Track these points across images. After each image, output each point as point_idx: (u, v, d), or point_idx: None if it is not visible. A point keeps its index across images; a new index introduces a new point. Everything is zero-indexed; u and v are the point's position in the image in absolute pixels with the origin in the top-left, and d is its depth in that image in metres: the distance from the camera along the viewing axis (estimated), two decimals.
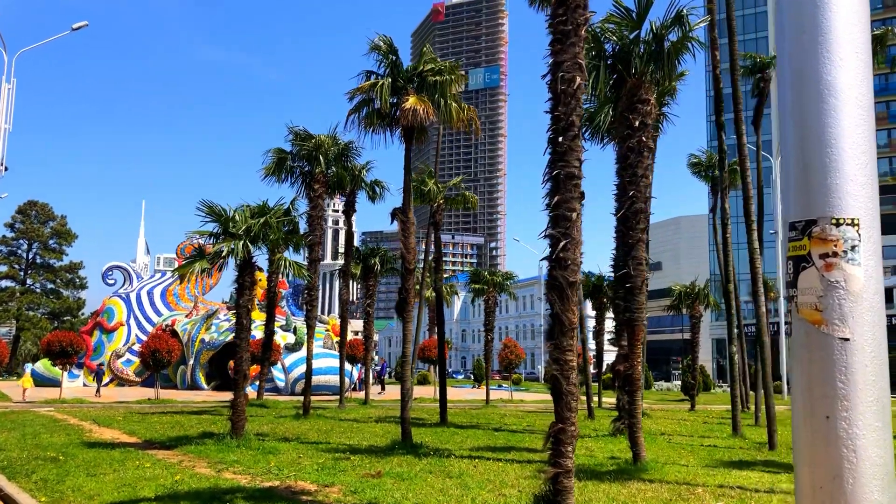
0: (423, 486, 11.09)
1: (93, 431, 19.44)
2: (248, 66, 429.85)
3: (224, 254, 15.22)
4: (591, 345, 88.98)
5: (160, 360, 35.39)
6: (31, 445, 16.27)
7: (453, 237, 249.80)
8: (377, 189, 27.54)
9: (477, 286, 35.04)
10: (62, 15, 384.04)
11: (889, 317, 61.60)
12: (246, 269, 16.03)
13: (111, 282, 56.86)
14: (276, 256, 16.45)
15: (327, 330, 52.14)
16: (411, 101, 15.67)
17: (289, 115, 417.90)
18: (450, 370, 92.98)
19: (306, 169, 24.88)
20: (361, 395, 40.18)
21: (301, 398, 36.53)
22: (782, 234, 3.86)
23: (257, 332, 47.24)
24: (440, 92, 16.27)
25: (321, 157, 24.17)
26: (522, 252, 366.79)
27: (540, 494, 8.45)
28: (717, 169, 23.67)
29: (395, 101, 16.61)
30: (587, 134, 21.35)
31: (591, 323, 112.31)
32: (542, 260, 9.04)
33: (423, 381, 68.27)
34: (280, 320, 50.21)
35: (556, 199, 8.45)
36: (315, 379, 43.66)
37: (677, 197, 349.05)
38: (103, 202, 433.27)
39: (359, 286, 32.87)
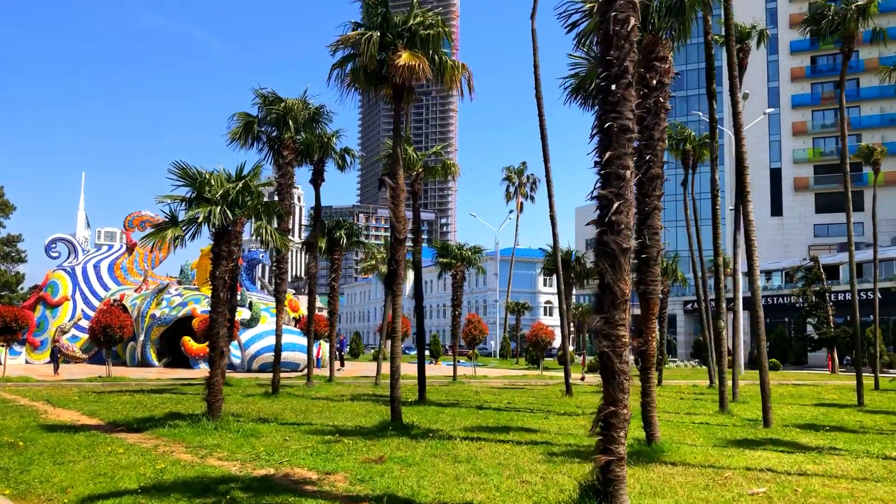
0: (433, 472, 10.17)
1: (48, 413, 18.00)
2: (189, 34, 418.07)
3: (200, 220, 13.92)
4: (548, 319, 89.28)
5: (112, 337, 33.68)
6: None
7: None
8: (347, 157, 26.26)
9: (444, 260, 34.02)
10: None
11: (836, 293, 63.00)
12: (223, 237, 14.75)
13: (55, 255, 54.23)
14: (256, 224, 15.19)
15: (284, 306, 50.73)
16: (405, 57, 14.51)
17: (232, 88, 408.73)
18: (404, 345, 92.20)
19: (274, 134, 23.50)
20: (322, 371, 39.13)
21: (264, 376, 35.36)
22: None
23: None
24: (433, 47, 15.15)
25: (291, 122, 22.80)
26: (473, 229, 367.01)
27: (587, 484, 7.61)
28: (709, 139, 22.90)
29: (381, 57, 15.40)
30: (578, 99, 20.57)
31: (544, 299, 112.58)
32: (587, 224, 8.12)
33: (377, 357, 67.44)
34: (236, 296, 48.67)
35: (607, 154, 7.53)
36: (270, 356, 42.52)
37: None
38: (41, 174, 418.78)
39: (321, 260, 31.54)
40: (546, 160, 24.97)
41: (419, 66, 14.56)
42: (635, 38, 7.68)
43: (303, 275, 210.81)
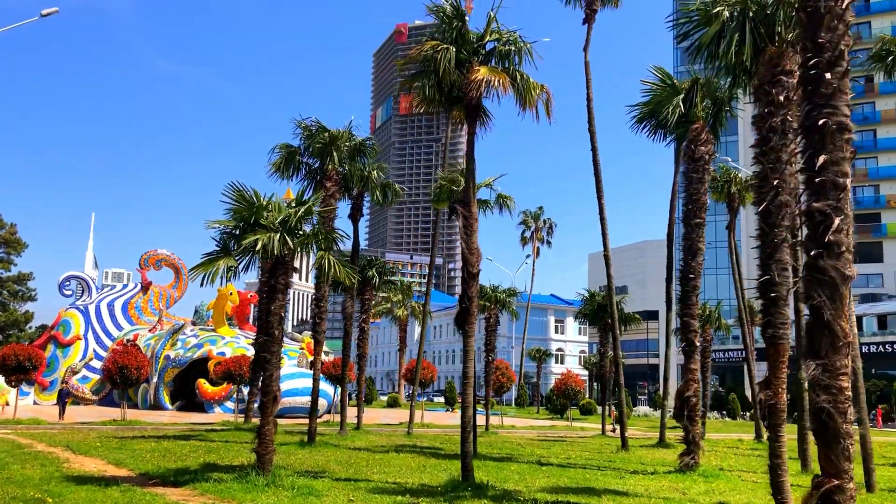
0: None
1: (70, 461, 16.30)
2: (204, 79, 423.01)
3: (257, 248, 12.43)
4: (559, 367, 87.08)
5: (128, 378, 32.06)
6: (3, 480, 13.16)
7: (411, 257, 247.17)
8: (388, 192, 24.88)
9: (479, 303, 32.41)
10: (6, 15, 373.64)
11: (878, 344, 60.98)
12: (279, 268, 13.25)
13: (68, 293, 52.78)
14: (318, 254, 13.71)
15: (301, 349, 49.01)
16: (483, 72, 13.18)
17: (244, 132, 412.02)
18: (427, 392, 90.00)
19: (316, 166, 22.17)
20: (336, 418, 37.26)
21: (286, 421, 33.48)
22: None
23: (227, 349, 44.02)
24: (512, 64, 13.82)
25: (335, 153, 21.49)
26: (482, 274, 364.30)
27: None
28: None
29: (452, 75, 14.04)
30: (647, 129, 19.26)
31: (572, 347, 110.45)
32: (794, 243, 6.58)
33: (394, 403, 65.26)
34: (251, 337, 46.90)
35: (821, 159, 6.04)
36: (291, 400, 40.54)
37: (637, 222, 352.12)
38: (51, 215, 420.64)
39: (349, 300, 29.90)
40: (600, 196, 23.57)
41: (498, 81, 13.21)
42: (850, 19, 6.24)
43: (308, 318, 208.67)
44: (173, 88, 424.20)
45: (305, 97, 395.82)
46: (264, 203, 13.17)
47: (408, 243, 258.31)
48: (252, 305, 52.69)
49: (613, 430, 34.85)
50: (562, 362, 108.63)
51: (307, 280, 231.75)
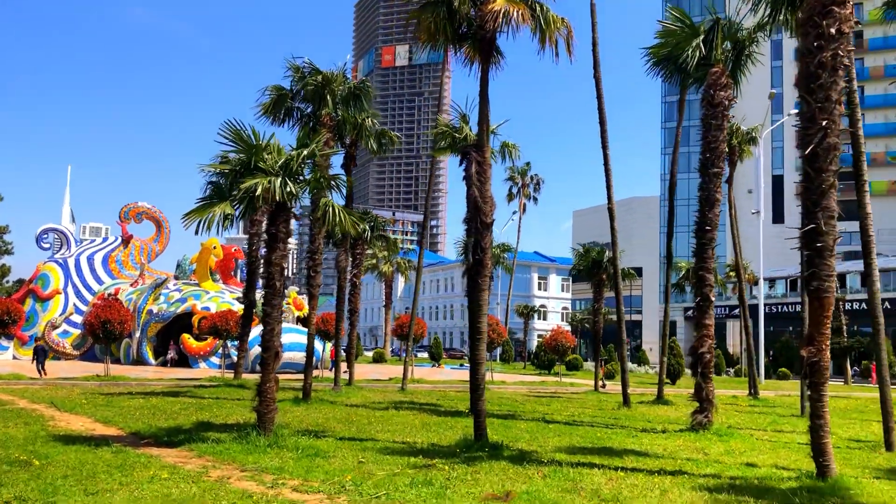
0: None
1: (56, 419, 15.46)
2: (179, 31, 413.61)
3: (257, 193, 11.45)
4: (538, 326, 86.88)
5: (111, 332, 31.09)
6: None
7: (394, 214, 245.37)
8: (383, 141, 23.79)
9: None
10: None
11: (861, 301, 61.12)
12: (279, 215, 12.31)
13: (46, 245, 51.39)
14: (322, 201, 12.70)
15: (287, 304, 48.22)
16: (500, 2, 12.13)
17: (221, 86, 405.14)
18: (396, 348, 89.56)
19: (309, 111, 21.03)
20: (330, 374, 36.66)
21: (283, 377, 32.75)
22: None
23: (211, 304, 43.07)
24: None
25: (329, 97, 20.36)
26: (460, 233, 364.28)
27: None
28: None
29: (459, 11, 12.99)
30: (662, 71, 18.35)
31: (555, 304, 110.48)
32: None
33: (379, 358, 64.86)
34: (237, 292, 45.94)
35: None
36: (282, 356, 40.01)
37: (627, 178, 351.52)
38: (26, 168, 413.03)
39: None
40: (605, 146, 22.69)
41: (517, 13, 12.17)
42: None
43: (292, 273, 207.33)
44: (149, 39, 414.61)
45: (283, 50, 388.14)
46: (263, 145, 12.16)
47: (390, 199, 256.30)
48: (236, 260, 51.66)
49: (604, 386, 34.49)
50: (544, 319, 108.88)
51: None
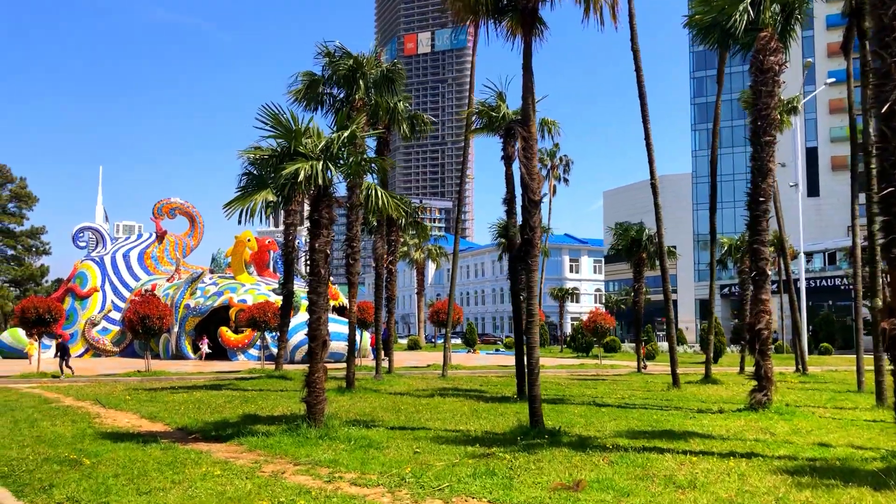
0: None
1: (102, 416, 15.33)
2: (201, 29, 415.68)
3: (300, 179, 11.05)
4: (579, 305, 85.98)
5: (150, 328, 31.10)
6: (33, 438, 12.16)
7: (421, 201, 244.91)
8: (416, 124, 23.34)
9: (507, 242, 31.09)
10: None
11: (830, 278, 59.84)
12: (321, 201, 11.93)
13: (82, 244, 51.80)
14: (363, 185, 12.27)
15: None
16: None
17: (245, 80, 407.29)
18: (433, 334, 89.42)
19: (341, 96, 20.63)
20: (368, 362, 36.58)
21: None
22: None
23: (248, 297, 43.09)
24: None
25: (361, 81, 19.93)
26: (490, 217, 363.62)
27: None
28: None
29: None
30: (709, 39, 17.65)
31: (587, 286, 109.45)
32: None
33: (414, 345, 64.71)
34: (272, 284, 45.93)
35: None
36: None
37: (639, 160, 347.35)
38: (57, 169, 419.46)
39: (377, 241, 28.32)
40: (645, 120, 22.02)
41: None
42: None
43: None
44: (171, 38, 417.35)
45: (304, 42, 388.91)
46: (302, 129, 11.76)
47: (416, 187, 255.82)
48: (270, 252, 51.64)
49: (645, 367, 33.88)
50: (577, 301, 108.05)
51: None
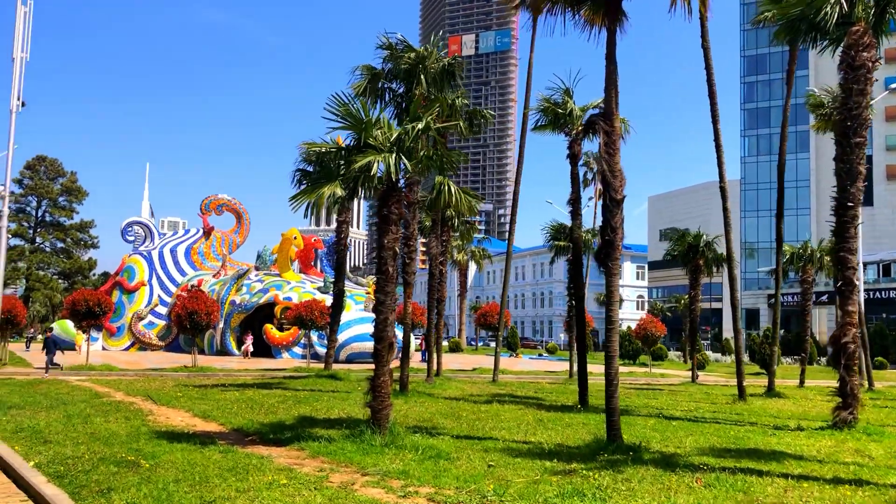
0: None
1: (154, 413, 14.93)
2: (247, 28, 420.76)
3: (373, 171, 10.46)
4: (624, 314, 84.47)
5: (198, 323, 30.95)
6: (87, 436, 11.75)
7: None
8: (474, 121, 22.67)
9: (560, 243, 30.37)
10: None
11: (885, 290, 57.57)
12: (391, 196, 11.33)
13: (131, 238, 52.14)
14: (437, 180, 11.63)
15: (368, 293, 47.70)
16: None
17: (290, 80, 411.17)
18: (470, 337, 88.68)
19: (401, 91, 20.05)
20: (413, 364, 35.96)
21: (357, 367, 32.19)
22: None
23: (293, 294, 42.83)
24: None
25: (423, 75, 19.32)
26: (530, 221, 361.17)
27: None
28: None
29: None
30: (786, 37, 16.67)
31: (629, 292, 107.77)
32: None
33: (455, 348, 64.02)
34: (317, 282, 45.66)
35: None
36: (360, 346, 39.34)
37: (697, 162, 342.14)
38: (104, 165, 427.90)
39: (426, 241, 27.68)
40: (715, 120, 21.05)
41: None
42: None
43: (361, 264, 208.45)
44: (217, 37, 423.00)
45: (350, 44, 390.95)
46: (373, 120, 11.17)
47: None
48: (316, 250, 51.45)
49: (697, 378, 32.78)
50: (619, 307, 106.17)
51: (359, 227, 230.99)
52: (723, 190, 21.02)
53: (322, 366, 32.50)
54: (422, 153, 11.56)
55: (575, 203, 18.58)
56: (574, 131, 18.38)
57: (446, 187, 11.20)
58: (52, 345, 26.74)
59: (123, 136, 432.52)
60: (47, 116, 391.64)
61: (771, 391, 24.06)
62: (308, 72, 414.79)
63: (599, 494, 8.22)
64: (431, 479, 8.93)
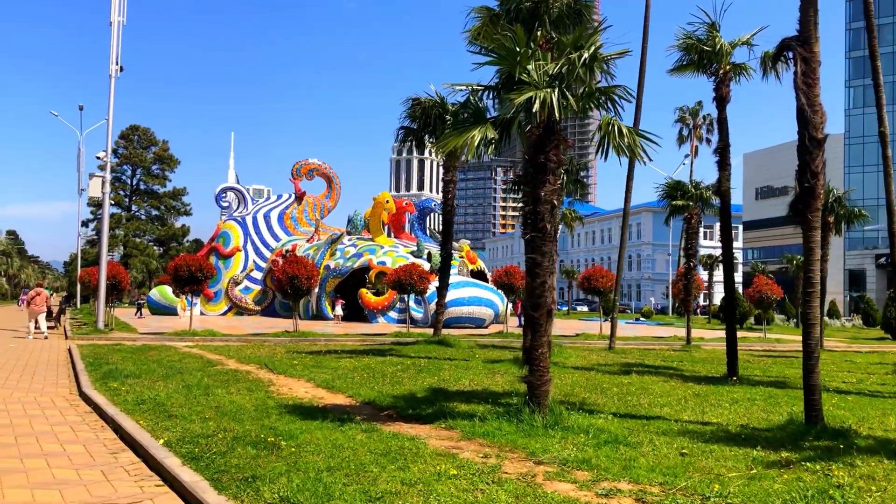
0: None
1: (275, 384, 13.99)
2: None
3: (535, 109, 8.98)
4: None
5: (300, 288, 30.26)
6: (212, 410, 10.79)
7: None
8: (601, 69, 20.71)
9: (678, 203, 28.25)
10: None
11: None
12: (549, 140, 9.85)
13: (224, 204, 52.36)
14: (603, 118, 10.13)
15: (461, 257, 46.46)
16: None
17: (368, 47, 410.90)
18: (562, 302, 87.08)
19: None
20: (511, 328, 34.76)
21: (457, 332, 31.09)
22: None
23: (387, 259, 41.99)
24: None
25: (546, 17, 17.59)
26: (609, 183, 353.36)
27: None
28: None
29: None
30: None
31: (703, 252, 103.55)
32: None
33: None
34: (409, 246, 44.70)
35: None
36: (458, 310, 38.24)
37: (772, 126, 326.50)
38: (191, 134, 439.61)
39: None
40: (874, 57, 18.57)
41: None
42: None
43: (437, 228, 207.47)
44: (298, 2, 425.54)
45: (442, 25, 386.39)
46: (528, 52, 9.63)
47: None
48: (407, 214, 50.45)
49: (823, 344, 30.40)
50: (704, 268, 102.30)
51: (432, 190, 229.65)
52: (882, 135, 18.62)
53: (422, 330, 31.52)
54: (583, 89, 9.98)
55: (723, 152, 16.62)
56: (722, 70, 16.34)
57: (615, 128, 9.58)
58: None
59: (209, 105, 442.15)
60: (139, 82, 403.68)
61: None
62: (395, 38, 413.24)
63: (846, 496, 6.62)
64: (621, 470, 7.50)
